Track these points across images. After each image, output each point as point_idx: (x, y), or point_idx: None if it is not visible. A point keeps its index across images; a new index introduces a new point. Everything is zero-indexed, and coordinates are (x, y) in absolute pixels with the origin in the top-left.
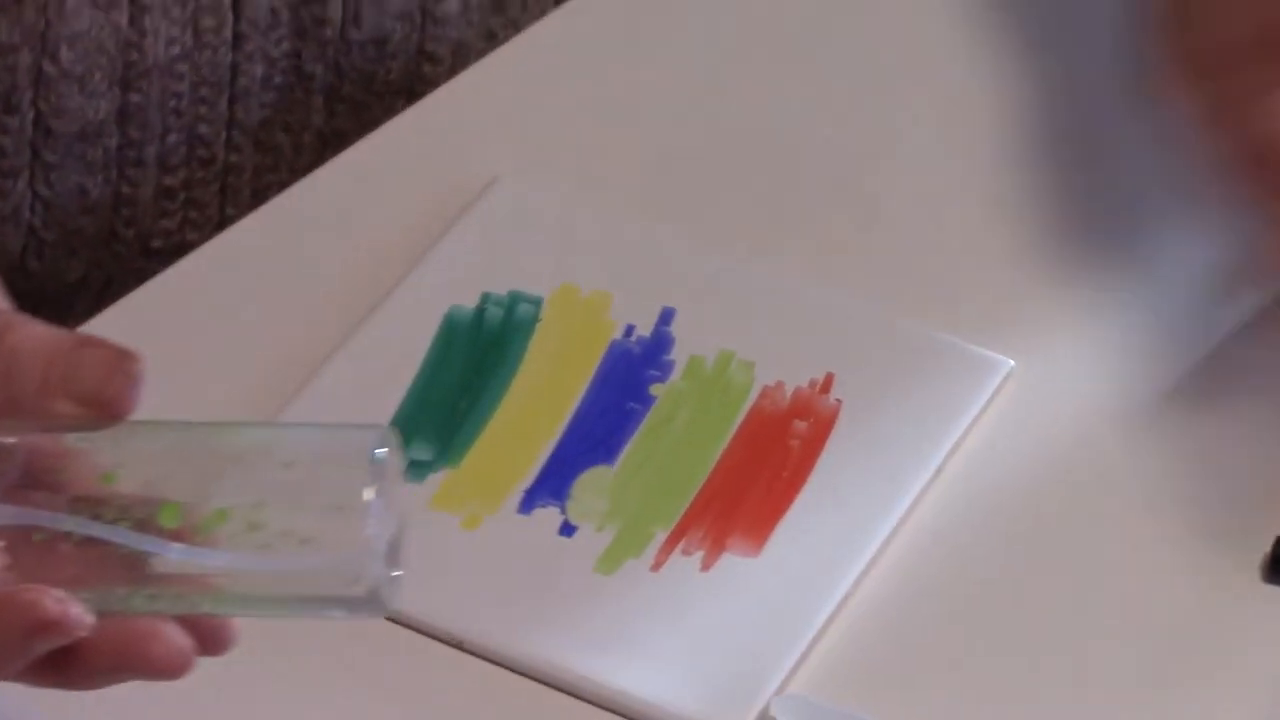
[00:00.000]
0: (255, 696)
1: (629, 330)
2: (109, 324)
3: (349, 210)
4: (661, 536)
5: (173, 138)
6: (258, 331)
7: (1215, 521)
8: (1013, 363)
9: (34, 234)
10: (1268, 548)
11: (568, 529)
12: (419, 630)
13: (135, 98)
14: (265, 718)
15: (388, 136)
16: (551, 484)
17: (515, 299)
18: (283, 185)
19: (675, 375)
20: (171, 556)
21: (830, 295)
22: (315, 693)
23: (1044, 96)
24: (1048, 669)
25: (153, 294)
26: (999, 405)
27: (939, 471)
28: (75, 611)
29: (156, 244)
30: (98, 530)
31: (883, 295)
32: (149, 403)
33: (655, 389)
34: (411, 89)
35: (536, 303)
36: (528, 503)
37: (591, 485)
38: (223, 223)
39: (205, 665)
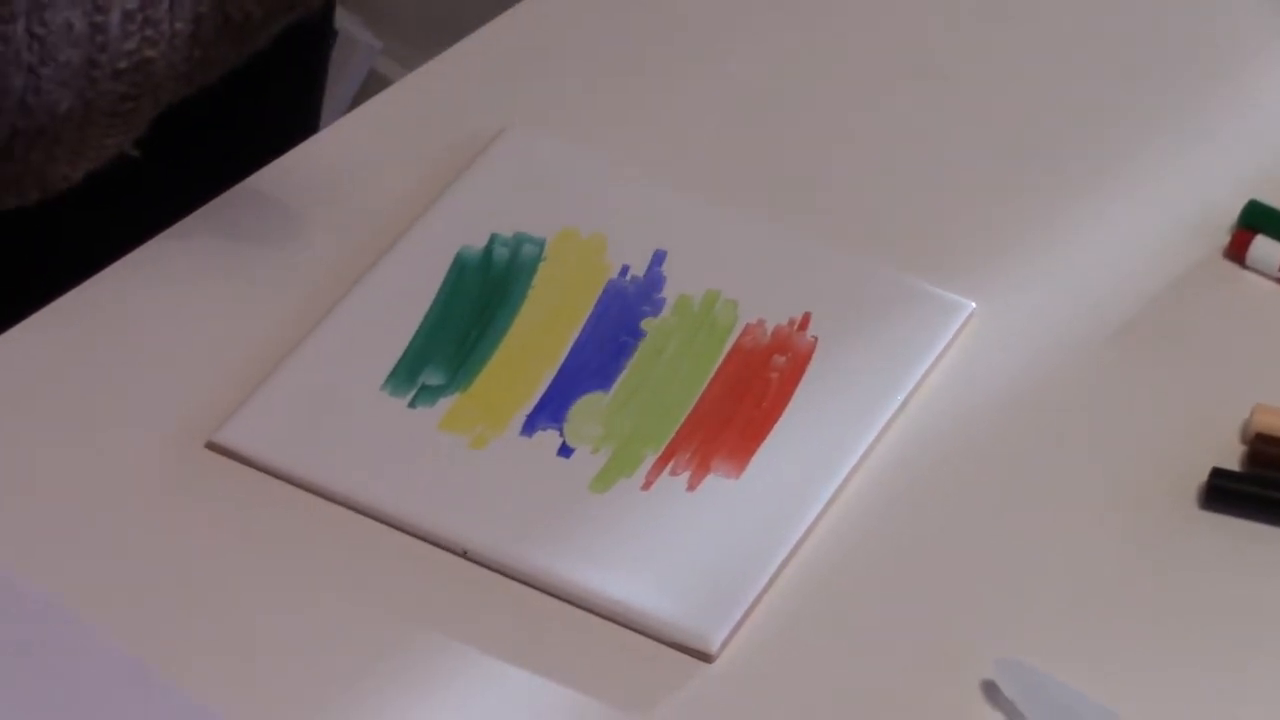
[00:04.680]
0: (264, 606)
1: (624, 270)
2: (157, 251)
3: (368, 157)
4: (651, 459)
5: None
6: (285, 266)
7: (1158, 453)
8: (974, 305)
9: (32, 71)
10: (1205, 477)
11: (566, 450)
12: (428, 540)
13: None
14: (276, 625)
15: (405, 89)
16: (551, 409)
17: (520, 240)
18: None
19: (665, 311)
20: None
21: (809, 241)
22: (328, 596)
23: (1004, 47)
24: (997, 590)
25: (188, 230)
26: (960, 344)
27: (904, 404)
28: None
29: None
30: None
31: (857, 242)
32: (196, 326)
33: (646, 323)
34: None
35: (540, 244)
36: (530, 425)
37: (587, 410)
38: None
39: (216, 580)
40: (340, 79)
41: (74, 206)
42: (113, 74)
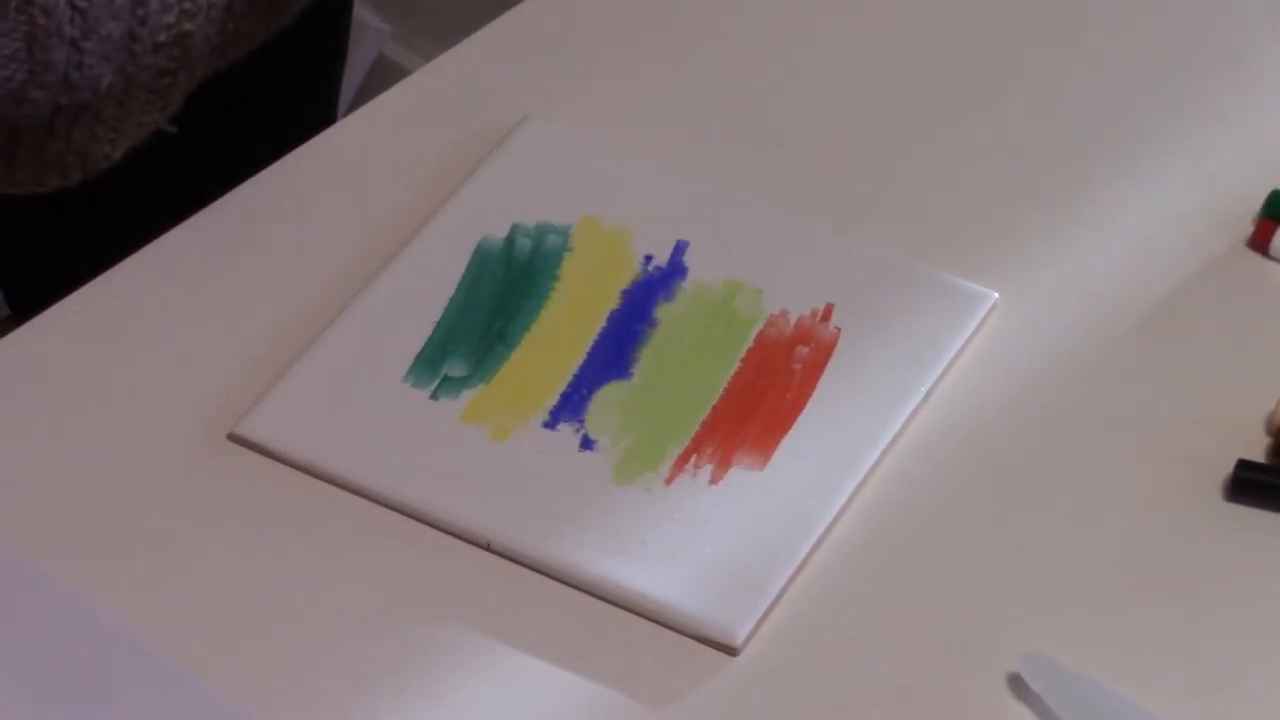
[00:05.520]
0: (286, 597)
1: (647, 260)
2: (177, 242)
3: (388, 146)
4: (675, 451)
5: None
6: (306, 257)
7: (1182, 444)
8: (996, 295)
9: (75, 45)
10: (1230, 469)
11: (588, 443)
12: (450, 532)
13: None
14: (297, 616)
15: (426, 77)
16: (575, 403)
17: (543, 230)
18: None
19: (685, 301)
20: None
21: (832, 231)
22: (350, 588)
23: (1026, 38)
24: (1021, 583)
25: (208, 221)
26: (983, 334)
27: (928, 395)
28: None
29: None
30: None
31: (879, 233)
32: (217, 317)
33: (664, 313)
34: None
35: (564, 234)
36: (553, 419)
37: (608, 401)
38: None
39: (238, 571)
40: (350, 63)
41: (98, 191)
42: (153, 47)
